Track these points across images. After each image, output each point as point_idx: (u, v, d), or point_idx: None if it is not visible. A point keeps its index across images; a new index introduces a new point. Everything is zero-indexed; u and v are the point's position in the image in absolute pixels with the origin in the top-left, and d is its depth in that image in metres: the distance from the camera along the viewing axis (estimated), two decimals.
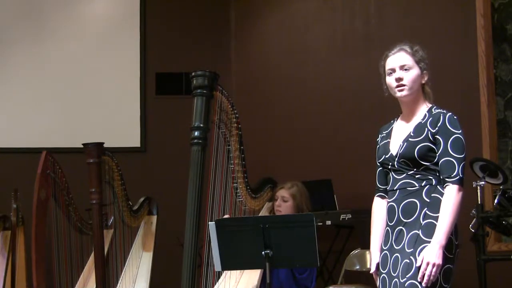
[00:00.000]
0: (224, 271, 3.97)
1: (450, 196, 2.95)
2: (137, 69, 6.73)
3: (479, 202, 4.31)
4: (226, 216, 4.10)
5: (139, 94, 6.71)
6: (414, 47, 3.15)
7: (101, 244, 4.37)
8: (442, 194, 2.98)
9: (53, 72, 6.66)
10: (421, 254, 2.92)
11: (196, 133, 3.78)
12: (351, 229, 5.55)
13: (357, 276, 5.06)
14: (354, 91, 5.95)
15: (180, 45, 6.76)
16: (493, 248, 5.11)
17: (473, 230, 4.27)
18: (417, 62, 3.12)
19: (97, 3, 6.87)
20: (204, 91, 3.82)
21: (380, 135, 3.25)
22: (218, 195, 3.94)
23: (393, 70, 3.12)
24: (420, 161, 3.02)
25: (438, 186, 3.01)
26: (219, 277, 4.04)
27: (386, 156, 3.13)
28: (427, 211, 2.99)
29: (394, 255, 3.03)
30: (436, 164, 3.01)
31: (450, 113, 3.06)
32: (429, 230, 2.95)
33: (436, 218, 2.95)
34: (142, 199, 4.86)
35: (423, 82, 3.13)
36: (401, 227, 3.04)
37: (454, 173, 2.96)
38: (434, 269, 2.88)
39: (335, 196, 5.61)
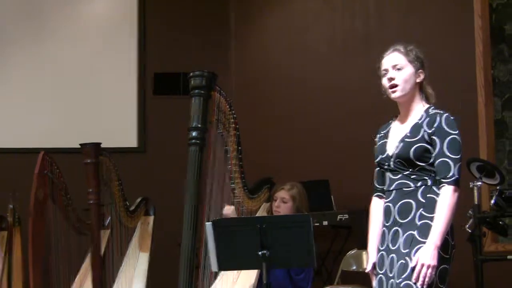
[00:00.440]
0: (221, 272, 3.97)
1: (446, 196, 2.94)
2: (136, 69, 6.73)
3: (476, 203, 4.32)
4: (226, 206, 4.11)
5: (137, 94, 6.71)
6: (408, 47, 3.13)
7: (99, 244, 4.37)
8: (437, 195, 2.98)
9: (51, 72, 6.66)
10: (416, 255, 2.91)
11: (194, 134, 3.78)
12: (349, 230, 5.56)
13: (354, 276, 5.05)
14: (353, 91, 5.94)
15: (179, 45, 6.74)
16: (490, 249, 5.10)
17: (469, 231, 4.27)
18: (411, 61, 3.10)
19: (96, 3, 6.87)
20: (202, 92, 3.82)
21: (378, 135, 3.25)
22: (215, 196, 3.94)
23: (387, 71, 3.13)
24: (415, 161, 3.02)
25: (433, 187, 3.01)
26: (216, 278, 4.04)
27: (383, 156, 3.13)
28: (422, 212, 2.99)
29: (391, 256, 3.03)
30: (432, 164, 3.01)
31: (447, 114, 3.05)
32: (425, 231, 2.94)
33: (432, 219, 2.95)
34: (139, 199, 4.85)
35: (418, 81, 3.12)
36: (397, 228, 3.04)
37: (450, 174, 2.96)
38: (429, 271, 2.88)
39: (332, 196, 5.62)
